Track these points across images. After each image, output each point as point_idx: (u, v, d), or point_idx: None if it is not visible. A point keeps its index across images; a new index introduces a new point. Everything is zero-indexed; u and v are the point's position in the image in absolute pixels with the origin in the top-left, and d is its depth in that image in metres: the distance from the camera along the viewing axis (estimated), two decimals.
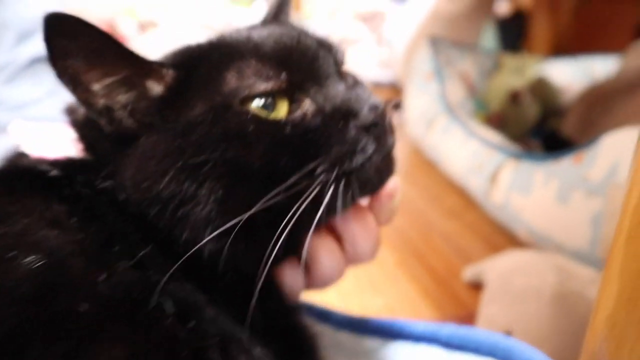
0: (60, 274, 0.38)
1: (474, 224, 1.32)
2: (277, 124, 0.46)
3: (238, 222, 0.44)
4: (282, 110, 0.47)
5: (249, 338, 0.44)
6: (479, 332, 0.57)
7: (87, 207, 0.44)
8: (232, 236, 0.45)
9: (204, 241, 0.45)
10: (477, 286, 1.03)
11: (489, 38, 2.63)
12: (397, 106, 0.54)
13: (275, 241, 0.45)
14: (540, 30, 2.48)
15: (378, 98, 0.50)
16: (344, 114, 0.48)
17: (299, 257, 0.52)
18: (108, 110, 0.47)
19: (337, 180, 0.46)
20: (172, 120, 0.46)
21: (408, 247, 1.21)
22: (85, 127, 0.50)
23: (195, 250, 0.45)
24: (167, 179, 0.45)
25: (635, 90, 1.47)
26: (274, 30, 0.52)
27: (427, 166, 1.68)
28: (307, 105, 0.48)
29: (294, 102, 0.48)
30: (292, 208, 0.45)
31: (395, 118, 0.51)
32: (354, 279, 1.08)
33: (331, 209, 0.47)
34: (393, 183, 0.55)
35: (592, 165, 0.99)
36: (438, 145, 1.60)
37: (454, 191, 1.51)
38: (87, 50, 0.44)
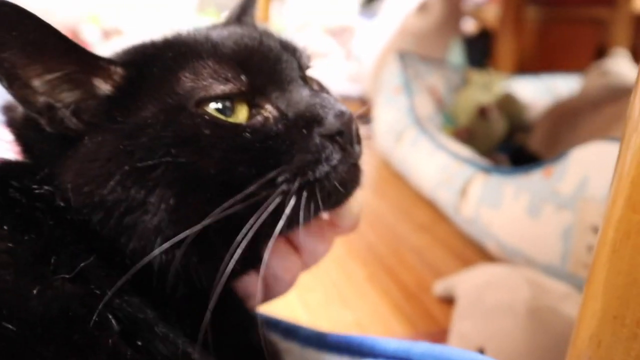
0: None
1: (444, 238, 1.31)
2: (236, 129, 0.43)
3: (191, 233, 0.41)
4: (241, 115, 0.44)
5: (205, 357, 0.41)
6: (454, 350, 0.54)
7: (20, 214, 0.40)
8: (184, 247, 0.41)
9: (154, 253, 0.41)
10: (448, 301, 1.01)
11: (455, 55, 2.67)
12: (365, 119, 0.52)
13: (231, 254, 0.42)
14: (505, 48, 2.54)
15: (344, 105, 0.47)
16: (308, 120, 0.45)
17: (257, 269, 0.49)
18: (49, 109, 0.43)
19: (299, 191, 0.43)
20: (119, 121, 0.43)
21: (378, 262, 1.19)
22: (23, 127, 0.45)
23: (143, 262, 0.41)
24: (112, 183, 0.41)
25: (599, 107, 1.49)
26: (234, 31, 0.49)
27: (397, 180, 1.67)
28: (269, 111, 0.45)
29: (254, 107, 0.45)
30: (250, 219, 0.41)
31: (363, 131, 0.48)
32: (322, 293, 1.05)
33: (292, 221, 0.44)
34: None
35: (561, 179, 0.98)
36: (407, 158, 1.59)
37: (423, 205, 1.50)
38: (25, 42, 0.39)
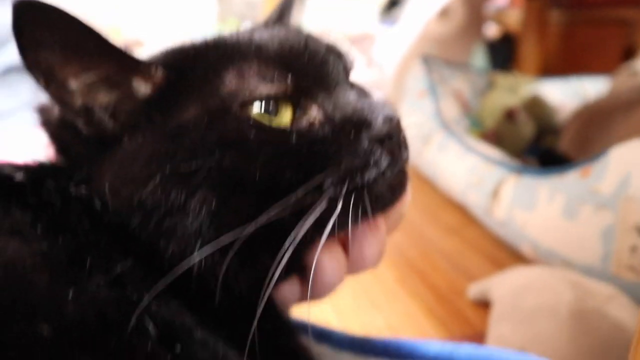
0: (18, 291, 0.32)
1: (474, 241, 1.28)
2: (282, 133, 0.41)
3: (234, 238, 0.39)
4: (285, 117, 0.43)
5: None
6: (502, 352, 0.51)
7: (55, 215, 0.39)
8: (226, 252, 0.40)
9: (194, 257, 0.40)
10: (482, 304, 0.98)
11: (478, 59, 2.64)
12: None
13: (276, 261, 0.40)
14: (529, 52, 2.50)
15: (392, 109, 0.45)
16: (356, 124, 0.43)
17: (300, 273, 0.48)
18: (87, 111, 0.42)
19: (346, 196, 0.41)
20: (160, 124, 0.41)
21: (408, 265, 1.16)
22: (58, 128, 0.44)
23: (182, 266, 0.39)
24: (151, 186, 0.39)
25: (632, 108, 1.45)
26: (278, 32, 0.47)
27: (424, 183, 1.64)
28: (315, 113, 0.44)
29: (299, 109, 0.43)
30: (295, 225, 0.40)
31: None
32: (352, 296, 1.03)
33: (339, 227, 0.42)
34: None
35: (601, 178, 0.95)
36: (435, 162, 1.56)
37: (452, 208, 1.47)
38: (64, 41, 0.38)
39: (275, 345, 0.46)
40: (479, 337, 0.87)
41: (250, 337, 0.40)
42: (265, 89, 0.42)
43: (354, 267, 0.52)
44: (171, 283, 0.38)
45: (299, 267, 0.47)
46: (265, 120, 0.42)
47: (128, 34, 2.96)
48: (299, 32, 0.49)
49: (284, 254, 0.40)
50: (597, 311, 0.75)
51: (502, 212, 1.20)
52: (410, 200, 0.52)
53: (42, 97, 0.42)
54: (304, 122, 0.43)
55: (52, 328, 0.30)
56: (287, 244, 0.40)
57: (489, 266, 1.15)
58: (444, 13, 2.38)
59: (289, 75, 0.43)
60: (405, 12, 2.64)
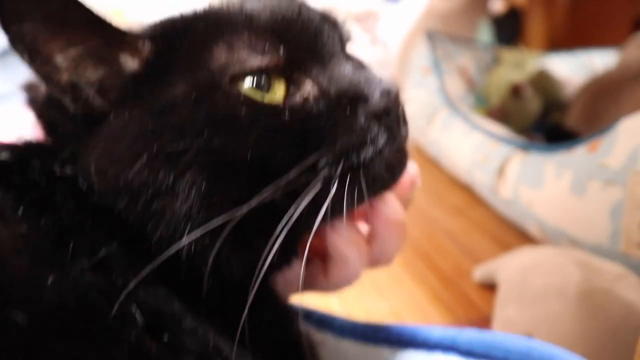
0: None
1: (480, 221, 1.25)
2: (274, 109, 0.39)
3: (224, 221, 0.37)
4: (278, 92, 0.41)
5: (237, 352, 0.38)
6: (505, 337, 0.49)
7: (39, 196, 0.37)
8: (216, 236, 0.38)
9: (183, 241, 0.38)
10: (488, 287, 0.96)
11: (484, 35, 2.59)
12: None
13: (269, 245, 0.38)
14: (536, 26, 2.44)
15: (390, 81, 0.43)
16: (352, 98, 0.41)
17: (298, 258, 0.46)
18: (73, 87, 0.40)
19: (342, 176, 0.39)
20: (147, 99, 0.39)
21: (412, 248, 1.14)
22: (45, 106, 0.43)
23: (171, 250, 0.37)
24: (138, 165, 0.38)
25: None
26: (270, 2, 0.45)
27: (428, 163, 1.61)
28: (309, 88, 0.41)
29: (292, 84, 0.41)
30: (288, 207, 0.38)
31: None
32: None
33: (335, 209, 0.40)
34: (412, 169, 0.50)
35: (609, 152, 0.92)
36: (439, 141, 1.53)
37: (457, 188, 1.44)
38: (48, 13, 0.37)
39: (274, 334, 0.45)
40: (484, 320, 0.85)
41: (241, 325, 0.38)
42: (256, 61, 0.40)
43: (374, 261, 0.51)
44: (160, 269, 0.36)
45: (294, 253, 0.45)
46: (257, 96, 0.40)
47: (131, 16, 2.93)
48: (292, 1, 0.46)
49: (277, 238, 0.38)
50: (606, 291, 0.72)
51: (508, 190, 1.17)
52: (419, 186, 0.50)
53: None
54: (297, 97, 0.41)
55: (27, 315, 0.29)
56: (280, 226, 0.38)
57: (495, 247, 1.12)
58: None
59: (281, 47, 0.41)
60: None
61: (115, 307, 0.32)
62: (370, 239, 0.50)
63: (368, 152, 0.40)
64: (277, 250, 0.39)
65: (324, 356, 0.49)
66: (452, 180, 1.49)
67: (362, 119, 0.41)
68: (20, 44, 0.37)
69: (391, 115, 0.42)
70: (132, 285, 0.34)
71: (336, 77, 0.42)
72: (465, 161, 1.38)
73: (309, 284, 0.51)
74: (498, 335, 0.49)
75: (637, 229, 0.85)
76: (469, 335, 0.50)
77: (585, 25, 2.55)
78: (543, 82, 1.81)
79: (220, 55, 0.40)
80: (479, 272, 0.98)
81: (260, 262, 0.39)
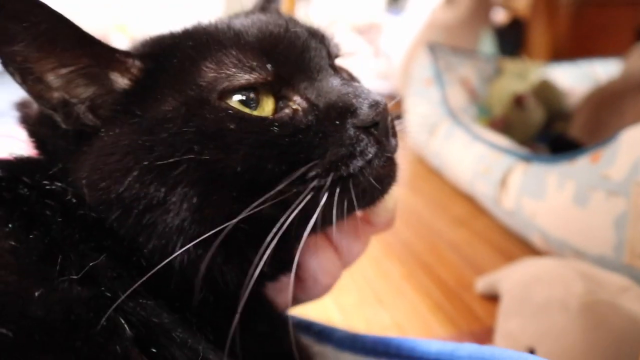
0: None
1: (483, 232, 1.24)
2: (263, 122, 0.40)
3: (216, 233, 0.38)
4: (267, 107, 0.41)
5: None
6: (504, 352, 0.48)
7: (28, 211, 0.37)
8: (208, 248, 0.38)
9: (175, 253, 0.38)
10: (491, 298, 0.95)
11: (487, 46, 2.59)
12: (396, 114, 0.48)
13: (260, 256, 0.39)
14: (539, 36, 2.45)
15: (378, 94, 0.43)
16: (341, 110, 0.41)
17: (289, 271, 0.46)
18: (64, 105, 0.40)
19: (332, 187, 0.40)
20: (138, 115, 0.40)
21: (414, 259, 1.13)
22: (37, 123, 0.43)
23: (164, 262, 0.38)
24: (129, 179, 0.38)
25: None
26: (258, 18, 0.45)
27: (431, 174, 1.61)
28: (297, 102, 0.42)
29: (281, 99, 0.42)
30: (280, 218, 0.38)
31: (396, 126, 0.45)
32: (356, 292, 1.00)
33: (325, 220, 0.40)
34: None
35: (611, 162, 0.91)
36: (441, 152, 1.53)
37: (460, 199, 1.44)
38: (37, 33, 0.37)
39: (266, 346, 0.45)
40: (487, 332, 0.85)
41: (230, 334, 0.39)
42: (244, 78, 0.40)
43: (346, 259, 0.51)
44: (149, 281, 0.36)
45: (285, 265, 0.45)
46: (246, 110, 0.40)
47: (134, 31, 2.95)
48: (279, 17, 0.47)
49: (266, 248, 0.39)
50: (609, 303, 0.71)
51: (510, 201, 1.16)
52: (398, 199, 0.51)
53: None
54: (286, 111, 0.42)
55: (12, 329, 0.29)
56: (269, 238, 0.39)
57: (498, 258, 1.12)
58: (450, 0, 2.34)
59: (269, 63, 0.41)
60: (413, 1, 2.60)
61: (103, 319, 0.32)
62: (336, 249, 0.50)
63: (357, 163, 0.40)
64: (268, 260, 0.39)
65: None
66: (454, 191, 1.49)
67: (351, 131, 0.41)
68: (12, 65, 0.38)
69: (380, 126, 0.42)
70: (122, 297, 0.34)
71: (324, 90, 0.43)
72: (468, 172, 1.37)
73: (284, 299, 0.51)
74: (497, 350, 0.48)
75: None
76: (468, 349, 0.49)
77: (587, 35, 2.55)
78: (546, 92, 1.81)
79: (208, 72, 0.40)
80: (481, 284, 0.98)
81: (251, 271, 0.39)
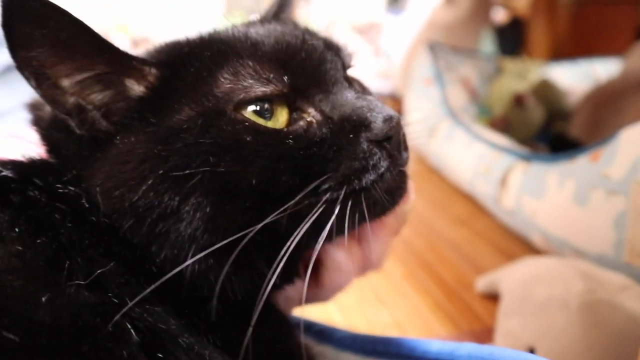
0: None
1: (483, 231, 1.24)
2: (278, 135, 0.40)
3: (227, 244, 0.38)
4: (280, 118, 0.41)
5: None
6: (504, 351, 0.48)
7: (37, 215, 0.37)
8: (221, 258, 0.39)
9: (188, 262, 0.38)
10: (492, 298, 0.95)
11: (487, 45, 2.59)
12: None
13: (272, 265, 0.39)
14: (538, 36, 2.45)
15: (391, 109, 0.44)
16: (355, 124, 0.42)
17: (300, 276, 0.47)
18: (79, 110, 0.40)
19: (345, 200, 0.40)
20: (153, 124, 0.40)
21: (415, 259, 1.13)
22: (50, 126, 0.43)
23: (176, 270, 0.38)
24: (144, 187, 0.38)
25: None
26: (275, 28, 0.46)
27: (431, 174, 1.61)
28: (312, 115, 0.42)
29: (295, 111, 0.42)
30: (291, 229, 0.39)
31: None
32: (357, 292, 1.00)
33: (336, 232, 0.41)
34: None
35: (611, 161, 0.91)
36: (442, 151, 1.53)
37: (460, 199, 1.44)
38: (55, 40, 0.37)
39: (275, 350, 0.45)
40: (488, 332, 0.85)
41: (245, 343, 0.39)
42: (261, 90, 0.41)
43: (364, 266, 0.52)
44: (158, 288, 0.37)
45: (294, 275, 0.46)
46: (261, 122, 0.40)
47: (136, 31, 2.95)
48: (295, 28, 0.47)
49: (280, 260, 0.39)
50: (609, 302, 0.71)
51: (510, 200, 1.16)
52: (413, 200, 0.51)
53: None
54: (301, 123, 0.42)
55: (19, 334, 0.29)
56: (283, 250, 0.39)
57: (499, 258, 1.12)
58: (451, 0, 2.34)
59: (286, 75, 0.41)
60: (412, 0, 2.60)
61: (109, 325, 0.32)
62: (359, 242, 0.51)
63: (370, 177, 0.41)
64: (279, 271, 0.39)
65: None
66: (454, 191, 1.49)
67: (364, 144, 0.41)
68: (27, 69, 0.38)
69: (393, 141, 0.42)
70: (130, 304, 0.34)
71: (339, 103, 0.43)
72: (468, 172, 1.37)
73: (293, 301, 0.52)
74: (497, 349, 0.49)
75: None
76: (468, 348, 0.49)
77: (587, 34, 2.55)
78: (546, 92, 1.81)
79: (225, 82, 0.41)
80: (482, 283, 0.98)
81: (265, 283, 0.39)
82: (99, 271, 0.36)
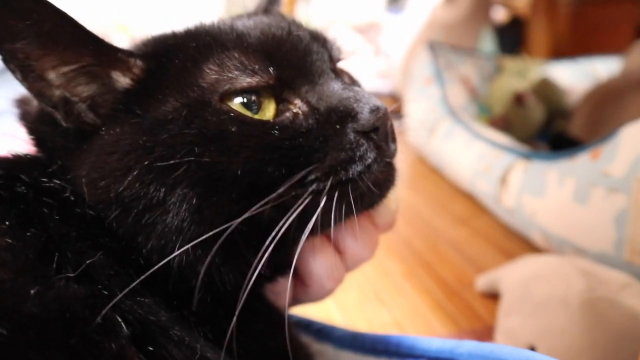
0: None
1: (484, 230, 1.24)
2: (264, 126, 0.40)
3: (214, 235, 0.38)
4: (267, 109, 0.41)
5: None
6: (505, 349, 0.48)
7: (26, 209, 0.37)
8: (207, 249, 0.38)
9: (175, 253, 0.38)
10: (492, 296, 0.95)
11: (487, 44, 2.59)
12: (397, 115, 0.49)
13: (258, 257, 0.39)
14: (539, 34, 2.44)
15: (378, 99, 0.43)
16: (341, 115, 0.42)
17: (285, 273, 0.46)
18: (65, 103, 0.40)
19: (330, 191, 0.40)
20: (139, 115, 0.40)
21: (415, 258, 1.13)
22: (37, 121, 0.43)
23: (163, 262, 0.38)
24: (129, 178, 0.38)
25: None
26: (261, 20, 0.46)
27: (431, 173, 1.61)
28: (298, 106, 0.42)
29: (282, 102, 0.42)
30: (278, 220, 0.39)
31: (395, 126, 0.45)
32: (357, 291, 1.00)
33: (324, 224, 0.41)
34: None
35: (611, 159, 0.91)
36: (441, 150, 1.53)
37: (461, 197, 1.44)
38: (40, 31, 0.37)
39: (263, 344, 0.45)
40: (488, 330, 0.84)
41: (228, 334, 0.39)
42: (246, 81, 0.41)
43: (349, 263, 0.51)
44: (146, 279, 0.37)
45: (284, 266, 0.45)
46: (247, 113, 0.40)
47: (135, 31, 2.95)
48: (282, 19, 0.47)
49: (265, 250, 0.39)
50: (609, 300, 0.71)
51: (511, 199, 1.16)
52: (399, 199, 0.51)
53: None
54: (287, 114, 0.42)
55: (8, 327, 0.29)
56: (269, 240, 0.39)
57: (499, 256, 1.11)
58: None
59: (271, 66, 0.41)
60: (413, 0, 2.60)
61: (99, 317, 0.32)
62: (340, 251, 0.50)
63: (357, 168, 0.41)
64: (267, 262, 0.39)
65: None
66: (455, 190, 1.49)
67: (351, 135, 0.41)
68: (13, 62, 0.38)
69: (380, 132, 0.42)
70: (119, 296, 0.34)
71: (325, 94, 0.43)
72: (468, 170, 1.37)
73: (292, 298, 0.52)
74: (497, 347, 0.48)
75: None
76: (468, 346, 0.49)
77: (587, 32, 2.55)
78: (546, 90, 1.80)
79: (210, 73, 0.41)
80: (482, 282, 0.97)
81: (250, 273, 0.39)
82: (87, 262, 0.36)
